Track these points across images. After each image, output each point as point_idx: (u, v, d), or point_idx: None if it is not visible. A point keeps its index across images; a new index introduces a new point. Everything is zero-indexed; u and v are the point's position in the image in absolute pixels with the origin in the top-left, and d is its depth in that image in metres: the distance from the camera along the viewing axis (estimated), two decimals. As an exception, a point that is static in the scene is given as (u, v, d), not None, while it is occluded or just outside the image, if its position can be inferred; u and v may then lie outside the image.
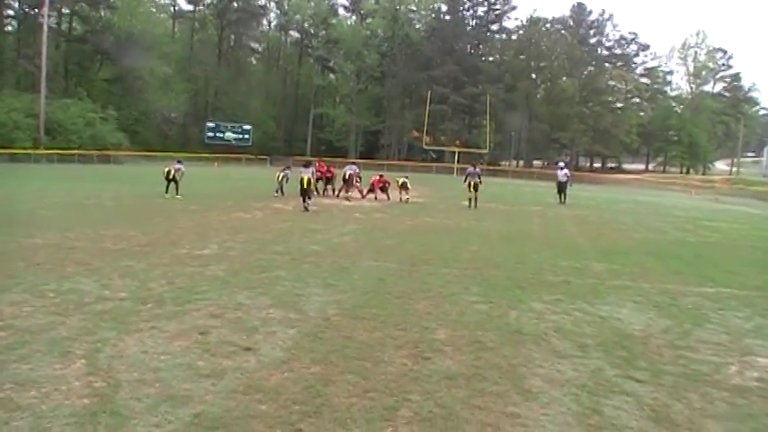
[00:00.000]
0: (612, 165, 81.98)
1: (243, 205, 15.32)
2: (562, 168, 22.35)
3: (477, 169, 17.36)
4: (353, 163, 20.26)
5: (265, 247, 8.61)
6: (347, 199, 18.32)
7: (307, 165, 14.88)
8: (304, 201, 14.34)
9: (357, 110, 68.72)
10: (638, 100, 75.70)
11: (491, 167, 65.38)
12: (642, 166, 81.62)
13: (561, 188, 21.80)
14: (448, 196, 23.36)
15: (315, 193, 15.13)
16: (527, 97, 68.40)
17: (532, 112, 68.38)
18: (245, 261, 7.50)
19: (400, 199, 19.08)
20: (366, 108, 71.06)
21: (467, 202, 16.92)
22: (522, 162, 76.04)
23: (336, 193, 19.57)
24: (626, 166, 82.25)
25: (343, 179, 18.86)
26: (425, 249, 9.13)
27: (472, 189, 17.00)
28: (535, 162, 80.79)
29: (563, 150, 80.00)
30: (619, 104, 74.88)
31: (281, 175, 19.14)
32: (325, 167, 20.44)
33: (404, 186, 19.07)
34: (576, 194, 27.68)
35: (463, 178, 17.37)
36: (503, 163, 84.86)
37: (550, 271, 7.85)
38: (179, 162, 17.45)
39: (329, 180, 20.04)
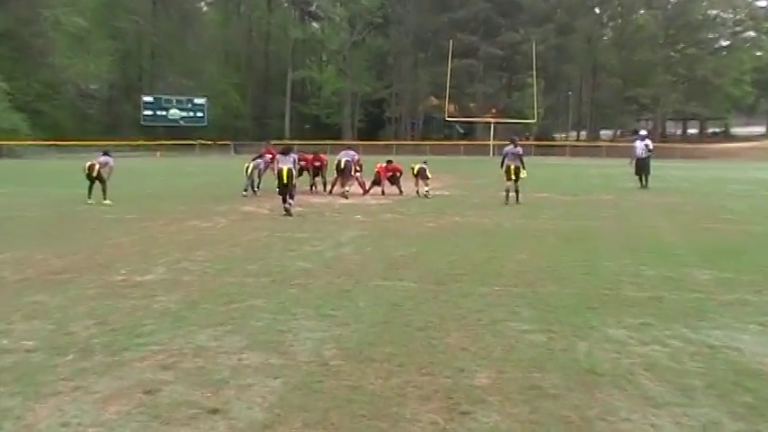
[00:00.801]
0: (716, 130, 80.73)
1: (200, 210, 15.34)
2: (643, 139, 22.22)
3: (518, 148, 17.02)
4: (350, 147, 20.28)
5: (234, 267, 8.59)
6: (344, 195, 18.36)
7: (285, 151, 14.91)
8: (285, 201, 14.38)
9: (352, 71, 69.03)
10: (752, 34, 71.42)
11: (541, 143, 65.57)
12: (761, 130, 78.87)
13: (642, 167, 21.71)
14: (483, 185, 23.36)
15: (296, 188, 15.12)
16: (589, 41, 68.41)
17: (597, 62, 68.43)
18: (205, 287, 7.48)
19: (417, 192, 19.14)
20: (365, 69, 71.32)
21: (505, 194, 16.80)
22: (584, 133, 76.06)
23: (329, 188, 19.61)
24: (736, 131, 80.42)
25: (337, 169, 18.91)
26: (455, 261, 9.09)
27: (512, 175, 16.77)
28: (603, 132, 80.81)
29: (642, 114, 79.84)
30: (724, 42, 71.43)
31: (251, 166, 19.20)
32: (311, 155, 20.45)
33: (421, 175, 19.10)
34: (664, 175, 27.61)
35: (500, 161, 17.22)
36: (557, 136, 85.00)
37: (632, 283, 7.78)
38: (105, 154, 17.49)
39: (318, 171, 20.09)
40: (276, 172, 14.79)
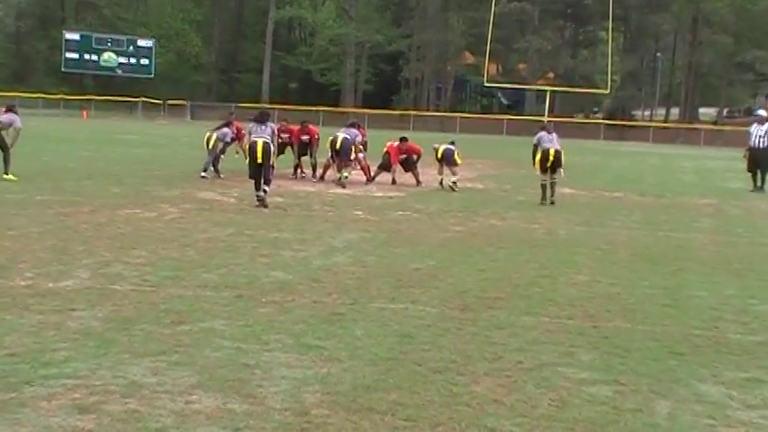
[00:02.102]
0: None
1: (140, 194, 15.35)
2: (762, 122, 21.94)
3: (553, 134, 17.36)
4: (352, 125, 20.20)
5: (185, 275, 8.60)
6: (340, 184, 18.37)
7: (261, 118, 14.90)
8: (258, 187, 14.39)
9: (358, 12, 69.12)
10: None
11: (614, 122, 65.49)
12: None
13: (758, 161, 21.58)
14: (532, 177, 23.31)
15: (274, 170, 15.11)
16: (689, -18, 67.93)
17: (700, 11, 67.94)
18: (145, 301, 7.49)
19: (440, 183, 19.13)
20: (375, 9, 71.44)
21: (541, 190, 16.95)
22: (675, 111, 75.92)
23: (320, 172, 19.63)
24: None
25: (332, 148, 18.89)
26: (489, 279, 9.09)
27: (549, 168, 16.96)
28: (702, 111, 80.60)
29: (761, 86, 79.48)
30: None
31: (214, 137, 19.24)
32: (298, 127, 20.45)
33: (447, 160, 19.13)
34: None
35: (533, 148, 17.41)
36: (637, 114, 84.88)
37: (736, 322, 7.74)
38: (9, 110, 17.59)
39: (306, 148, 20.10)
40: (248, 147, 14.81)
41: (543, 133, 17.66)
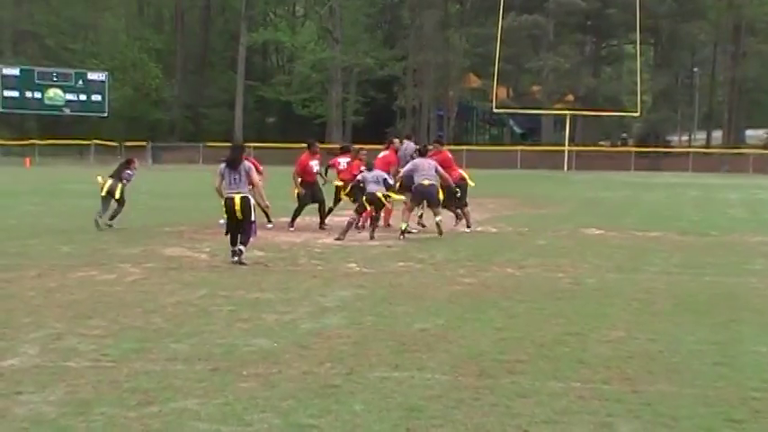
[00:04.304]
0: None
1: (96, 253, 15.35)
2: None
3: (432, 160, 18.37)
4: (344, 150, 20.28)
5: (152, 347, 8.58)
6: (339, 236, 18.35)
7: (234, 161, 14.51)
8: (234, 242, 14.26)
9: (344, 34, 69.58)
10: None
11: (647, 149, 65.72)
12: None
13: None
14: (553, 217, 23.35)
15: (254, 226, 14.98)
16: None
17: (741, 19, 68.48)
18: (105, 380, 7.47)
19: (419, 224, 19.46)
20: (364, 29, 71.94)
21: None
22: (718, 135, 76.25)
23: (357, 222, 19.38)
24: None
25: (365, 199, 18.62)
26: (508, 339, 9.08)
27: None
28: (749, 133, 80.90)
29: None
30: None
31: (120, 186, 19.71)
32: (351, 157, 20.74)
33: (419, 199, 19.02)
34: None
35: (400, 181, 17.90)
36: (673, 139, 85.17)
37: (802, 383, 7.72)
38: None
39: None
40: (223, 202, 14.36)
41: (419, 160, 18.24)
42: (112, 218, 19.53)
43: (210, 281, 12.64)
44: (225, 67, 76.04)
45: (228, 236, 14.51)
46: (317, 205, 19.88)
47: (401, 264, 14.66)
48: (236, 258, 14.20)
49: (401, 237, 18.13)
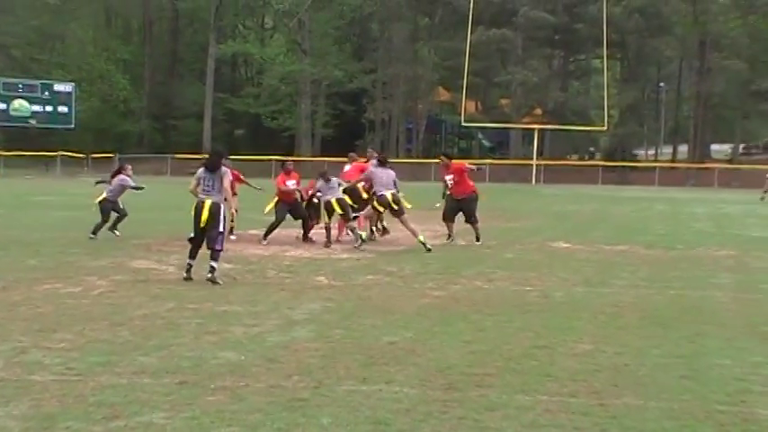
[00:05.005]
0: None
1: (62, 266, 15.25)
2: None
3: (334, 179, 18.89)
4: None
5: (118, 360, 8.53)
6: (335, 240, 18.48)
7: (212, 164, 14.20)
8: (192, 255, 13.91)
9: (313, 46, 69.61)
10: None
11: (614, 163, 66.12)
12: None
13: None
14: (522, 230, 23.42)
15: (224, 235, 14.68)
16: (694, 2, 69.38)
17: (707, 35, 69.15)
18: (70, 393, 7.42)
19: (372, 231, 19.51)
20: (333, 42, 72.01)
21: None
22: (684, 149, 76.90)
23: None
24: None
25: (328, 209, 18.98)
26: (476, 352, 9.10)
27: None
28: (715, 148, 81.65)
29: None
30: None
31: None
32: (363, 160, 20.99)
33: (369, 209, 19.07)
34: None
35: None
36: (640, 153, 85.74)
37: (767, 394, 7.81)
38: None
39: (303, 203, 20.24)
40: (194, 207, 14.09)
41: (377, 170, 18.63)
42: (95, 231, 19.52)
43: (178, 293, 12.58)
44: (193, 79, 75.81)
45: (191, 244, 14.11)
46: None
47: (370, 277, 14.66)
48: (185, 274, 13.82)
49: (358, 246, 18.26)
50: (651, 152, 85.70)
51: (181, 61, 78.73)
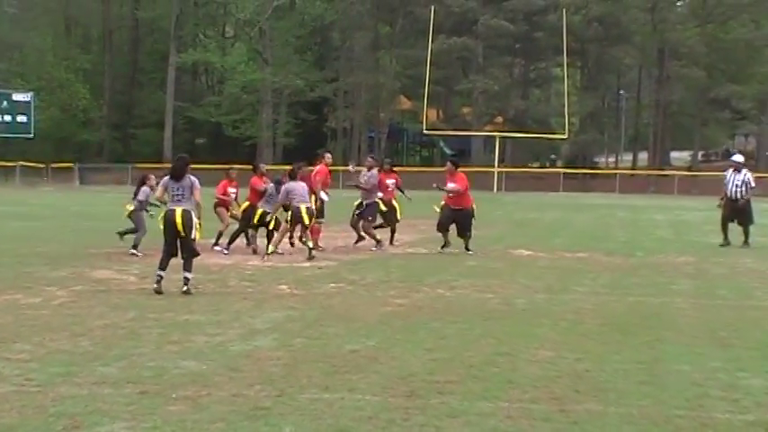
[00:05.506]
0: None
1: (20, 276, 15.13)
2: (739, 169, 22.41)
3: (302, 183, 18.50)
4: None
5: (78, 371, 8.48)
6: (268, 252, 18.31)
7: (178, 172, 13.77)
8: (163, 265, 13.63)
9: (275, 55, 69.48)
10: None
11: (575, 170, 66.50)
12: None
13: (736, 213, 22.00)
14: (484, 238, 23.50)
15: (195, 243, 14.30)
16: (653, 11, 69.96)
17: (667, 42, 69.68)
18: (30, 404, 7.37)
19: (301, 240, 19.24)
20: (295, 51, 71.87)
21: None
22: (644, 157, 77.48)
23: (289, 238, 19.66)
24: None
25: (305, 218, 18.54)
26: (438, 360, 9.13)
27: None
28: (674, 155, 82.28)
29: (739, 126, 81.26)
30: None
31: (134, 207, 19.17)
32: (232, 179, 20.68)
33: (295, 216, 18.62)
34: None
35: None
36: (600, 160, 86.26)
37: (724, 399, 7.88)
38: None
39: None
40: (164, 216, 13.76)
41: (292, 184, 18.29)
42: (135, 245, 18.88)
43: (140, 303, 12.52)
44: (154, 88, 75.39)
45: (162, 257, 13.75)
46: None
47: (332, 285, 14.65)
48: (155, 286, 13.49)
49: (265, 258, 18.13)
50: (612, 159, 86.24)
51: (141, 70, 78.26)
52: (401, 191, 21.85)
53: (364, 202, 20.21)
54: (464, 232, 19.92)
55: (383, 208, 20.66)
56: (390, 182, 21.37)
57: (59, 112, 69.65)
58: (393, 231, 21.33)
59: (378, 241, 20.21)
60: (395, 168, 22.85)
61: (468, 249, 19.69)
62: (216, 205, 20.11)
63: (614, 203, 46.91)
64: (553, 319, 11.59)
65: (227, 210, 20.18)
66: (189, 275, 13.58)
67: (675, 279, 16.03)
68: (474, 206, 20.18)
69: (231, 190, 20.36)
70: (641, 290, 14.60)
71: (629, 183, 63.18)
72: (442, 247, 19.83)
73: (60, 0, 74.97)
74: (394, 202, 21.28)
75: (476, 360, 9.13)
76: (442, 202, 20.26)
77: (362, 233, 20.35)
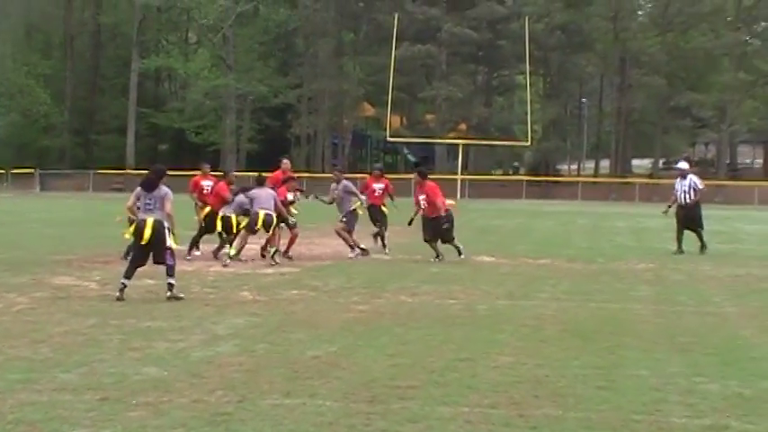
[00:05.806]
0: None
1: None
2: (685, 176, 22.65)
3: (267, 189, 18.67)
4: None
5: (38, 377, 8.44)
6: (230, 256, 18.21)
7: (150, 183, 13.73)
8: (128, 274, 13.51)
9: (238, 61, 69.34)
10: None
11: (538, 178, 66.84)
12: None
13: (687, 219, 22.17)
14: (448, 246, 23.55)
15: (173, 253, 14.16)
16: (615, 20, 70.50)
17: (628, 50, 70.13)
18: (-11, 410, 7.32)
19: (265, 249, 19.24)
20: (258, 57, 71.77)
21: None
22: (605, 164, 77.98)
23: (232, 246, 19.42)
24: None
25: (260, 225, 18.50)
26: (400, 365, 9.17)
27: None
28: (636, 163, 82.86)
29: (699, 133, 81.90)
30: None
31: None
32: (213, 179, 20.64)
33: (265, 223, 18.51)
34: (733, 230, 28.29)
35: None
36: (562, 168, 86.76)
37: (681, 404, 7.96)
38: None
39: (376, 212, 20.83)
40: (134, 226, 13.74)
41: (256, 191, 18.46)
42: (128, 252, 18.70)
43: (100, 310, 12.46)
44: (116, 94, 75.01)
45: (129, 263, 13.82)
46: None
47: (295, 291, 14.65)
48: (118, 294, 13.35)
49: (226, 263, 18.05)
50: (574, 167, 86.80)
51: (103, 76, 77.77)
52: (391, 198, 21.81)
53: (341, 216, 20.28)
54: (447, 241, 19.87)
55: (360, 212, 20.64)
56: (378, 186, 21.45)
57: (20, 118, 69.17)
58: (382, 237, 21.30)
59: (362, 250, 20.25)
60: (385, 175, 22.80)
61: (460, 254, 19.71)
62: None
63: (576, 210, 47.17)
64: (514, 325, 11.65)
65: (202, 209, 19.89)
66: (172, 281, 13.60)
67: (635, 285, 16.15)
68: (451, 211, 20.17)
69: (206, 183, 20.12)
70: (602, 296, 14.71)
71: (591, 190, 63.54)
72: (436, 257, 19.77)
73: (20, 5, 74.40)
74: (383, 209, 21.29)
75: (437, 365, 9.17)
76: (414, 214, 20.22)
77: (344, 238, 20.42)
